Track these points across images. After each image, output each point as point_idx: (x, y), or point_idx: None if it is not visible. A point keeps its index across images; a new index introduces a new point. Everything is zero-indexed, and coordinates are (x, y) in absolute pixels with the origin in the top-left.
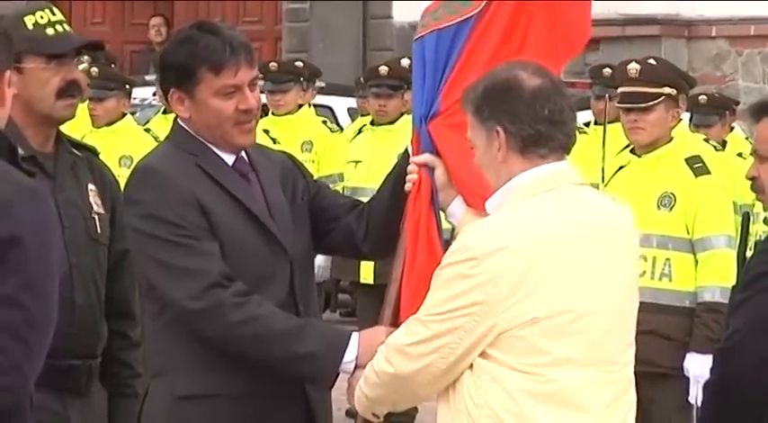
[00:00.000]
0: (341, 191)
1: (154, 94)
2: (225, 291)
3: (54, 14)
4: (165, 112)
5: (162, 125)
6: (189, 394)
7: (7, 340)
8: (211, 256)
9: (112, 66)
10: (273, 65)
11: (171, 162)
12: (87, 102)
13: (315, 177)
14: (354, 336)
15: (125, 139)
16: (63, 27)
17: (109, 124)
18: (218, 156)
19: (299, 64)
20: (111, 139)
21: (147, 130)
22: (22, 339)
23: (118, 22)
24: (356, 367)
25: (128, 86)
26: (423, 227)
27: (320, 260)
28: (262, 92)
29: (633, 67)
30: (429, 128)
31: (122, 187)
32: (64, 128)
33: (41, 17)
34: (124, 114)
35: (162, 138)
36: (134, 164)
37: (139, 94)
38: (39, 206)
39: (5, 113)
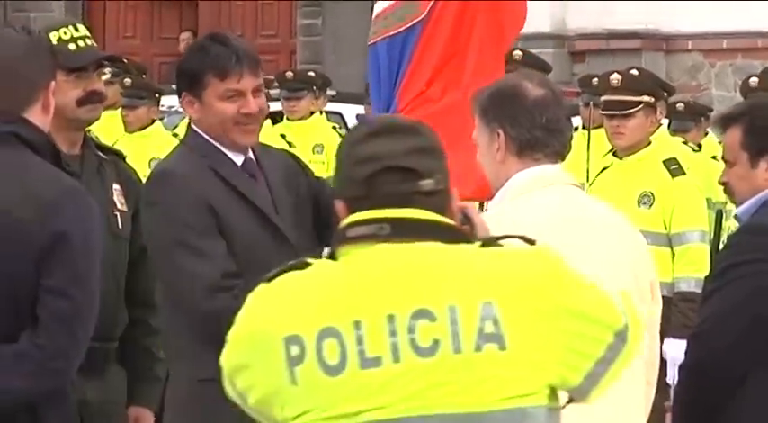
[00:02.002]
0: None
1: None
2: (226, 294)
3: (77, 31)
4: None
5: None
6: (209, 377)
7: (56, 328)
8: (217, 259)
9: (143, 76)
10: (289, 74)
11: (185, 165)
12: (120, 109)
13: (325, 177)
14: None
15: (155, 143)
16: (85, 42)
17: (140, 129)
18: (227, 157)
19: (312, 74)
20: (142, 143)
21: (175, 135)
22: (69, 327)
23: (148, 36)
24: None
25: (157, 95)
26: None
27: (327, 253)
28: (277, 99)
29: (615, 78)
30: None
31: None
32: (100, 133)
33: (65, 33)
34: (154, 120)
35: None
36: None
37: (167, 101)
38: (82, 205)
39: (49, 119)
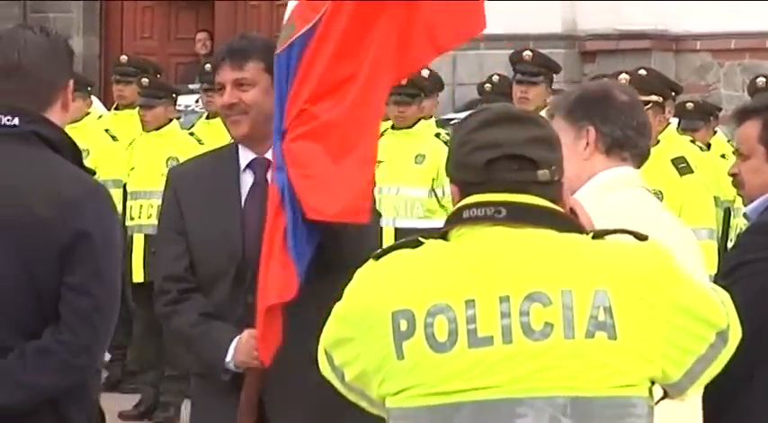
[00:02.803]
0: None
1: (197, 102)
2: (163, 298)
3: None
4: (208, 118)
5: (205, 129)
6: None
7: (79, 325)
8: (166, 261)
9: (159, 76)
10: None
11: (193, 162)
12: (138, 108)
13: None
14: (234, 341)
15: (171, 142)
16: None
17: (157, 129)
18: (234, 154)
19: None
20: (159, 142)
21: (191, 134)
22: (92, 324)
23: (165, 37)
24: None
25: (174, 95)
26: (276, 232)
27: None
28: None
29: (623, 78)
30: (282, 147)
31: None
32: (118, 132)
33: None
34: (170, 120)
35: (204, 141)
36: (178, 163)
37: (184, 101)
38: (103, 203)
39: (67, 119)
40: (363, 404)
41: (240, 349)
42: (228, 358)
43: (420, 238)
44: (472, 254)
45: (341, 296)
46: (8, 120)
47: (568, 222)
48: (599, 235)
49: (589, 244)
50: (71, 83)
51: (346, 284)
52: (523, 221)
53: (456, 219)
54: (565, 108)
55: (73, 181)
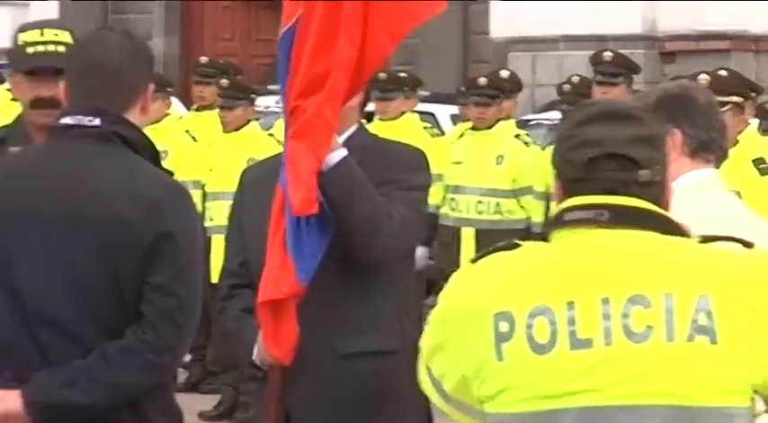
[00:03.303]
0: (441, 190)
1: (276, 102)
2: (219, 293)
3: (42, 35)
4: None
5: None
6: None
7: (162, 324)
8: (228, 258)
9: (239, 77)
10: (382, 75)
11: (263, 165)
12: (218, 110)
13: None
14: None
15: (251, 143)
16: (45, 47)
17: (236, 130)
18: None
19: (403, 75)
20: (239, 143)
21: (271, 135)
22: (175, 323)
23: (245, 38)
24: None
25: (253, 96)
26: (279, 229)
27: (418, 251)
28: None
29: (703, 78)
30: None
31: None
32: (198, 133)
33: (30, 36)
34: (250, 120)
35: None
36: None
37: (263, 102)
38: (185, 204)
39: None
40: (467, 421)
41: (259, 347)
42: (254, 356)
43: (518, 241)
44: (573, 256)
45: (374, 290)
46: (89, 120)
47: (671, 224)
48: (706, 240)
49: (693, 248)
50: (151, 86)
51: (383, 278)
52: (626, 224)
53: (557, 222)
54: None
55: (155, 181)
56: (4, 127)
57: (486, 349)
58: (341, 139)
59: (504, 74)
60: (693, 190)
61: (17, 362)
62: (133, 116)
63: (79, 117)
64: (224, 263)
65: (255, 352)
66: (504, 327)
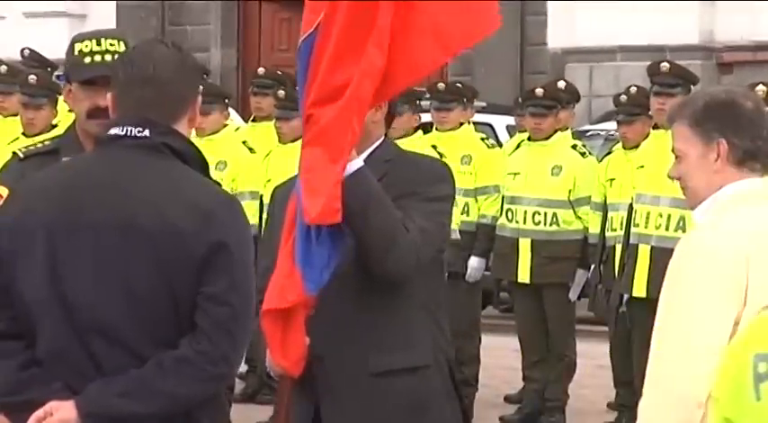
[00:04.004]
0: (498, 201)
1: None
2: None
3: (99, 45)
4: None
5: None
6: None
7: (217, 334)
8: (258, 274)
9: (296, 88)
10: (441, 85)
11: (290, 182)
12: (275, 121)
13: (473, 188)
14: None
15: None
16: (102, 58)
17: (293, 140)
18: None
19: (459, 85)
20: (296, 154)
21: None
22: (229, 332)
23: None
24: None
25: None
26: (289, 242)
27: (474, 262)
28: (428, 110)
29: (761, 89)
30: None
31: None
32: (255, 144)
33: (86, 46)
34: None
35: None
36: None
37: None
38: (237, 214)
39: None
40: None
41: (268, 357)
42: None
43: None
44: None
45: (401, 305)
46: (139, 131)
47: None
48: None
49: None
50: (199, 97)
51: (407, 292)
52: None
53: None
54: (691, 117)
55: (207, 192)
56: (56, 137)
57: (745, 391)
58: (365, 152)
59: (561, 84)
60: (740, 201)
61: (69, 372)
62: (182, 127)
63: (128, 128)
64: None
65: (267, 361)
66: (762, 368)
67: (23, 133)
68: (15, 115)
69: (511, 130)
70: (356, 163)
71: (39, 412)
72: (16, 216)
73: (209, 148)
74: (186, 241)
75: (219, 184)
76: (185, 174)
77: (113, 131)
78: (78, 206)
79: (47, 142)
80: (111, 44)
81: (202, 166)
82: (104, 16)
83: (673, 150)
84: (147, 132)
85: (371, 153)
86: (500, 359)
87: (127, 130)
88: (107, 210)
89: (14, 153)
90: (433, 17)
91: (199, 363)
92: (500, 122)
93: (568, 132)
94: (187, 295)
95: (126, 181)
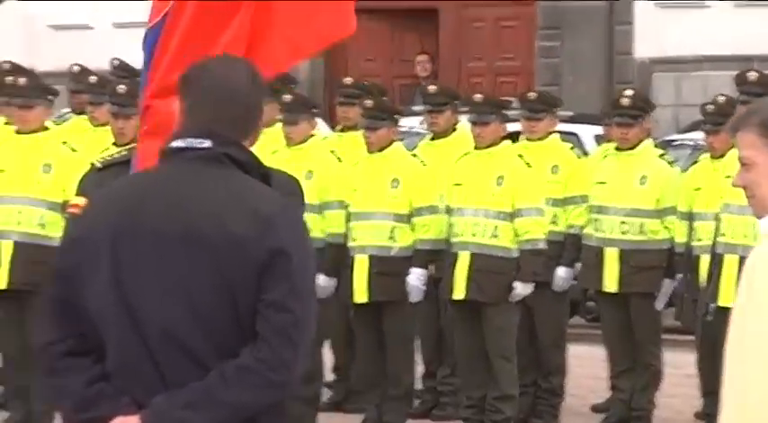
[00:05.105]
0: (585, 210)
1: (421, 123)
2: None
3: None
4: (432, 139)
5: (428, 150)
6: None
7: (277, 341)
8: None
9: (384, 98)
10: (532, 95)
11: None
12: (362, 130)
13: (562, 197)
14: None
15: (395, 163)
16: None
17: (381, 150)
18: None
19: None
20: (383, 163)
21: (414, 155)
22: (290, 339)
23: (388, 59)
24: None
25: (396, 116)
26: None
27: (561, 271)
28: (516, 120)
29: None
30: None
31: None
32: (344, 155)
33: None
34: (393, 141)
35: (427, 161)
36: (400, 185)
37: (407, 122)
38: (296, 220)
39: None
40: None
41: None
42: None
43: None
44: None
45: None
46: (200, 142)
47: None
48: None
49: None
50: (262, 117)
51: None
52: None
53: None
54: (760, 125)
55: (267, 199)
56: (134, 147)
57: None
58: None
59: (628, 93)
60: None
61: (136, 384)
62: (246, 141)
63: (190, 140)
64: None
65: None
66: None
67: (114, 143)
68: (105, 125)
69: (599, 140)
70: None
71: None
72: (84, 229)
73: (296, 157)
74: (247, 248)
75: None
76: (245, 182)
77: (175, 144)
78: (141, 217)
79: (123, 152)
80: None
81: (263, 175)
82: None
83: (739, 159)
84: (208, 144)
85: None
86: (587, 368)
87: (188, 143)
88: (170, 220)
89: (92, 163)
90: (287, 19)
91: (260, 370)
92: (587, 132)
93: (651, 141)
94: (249, 303)
95: (188, 191)
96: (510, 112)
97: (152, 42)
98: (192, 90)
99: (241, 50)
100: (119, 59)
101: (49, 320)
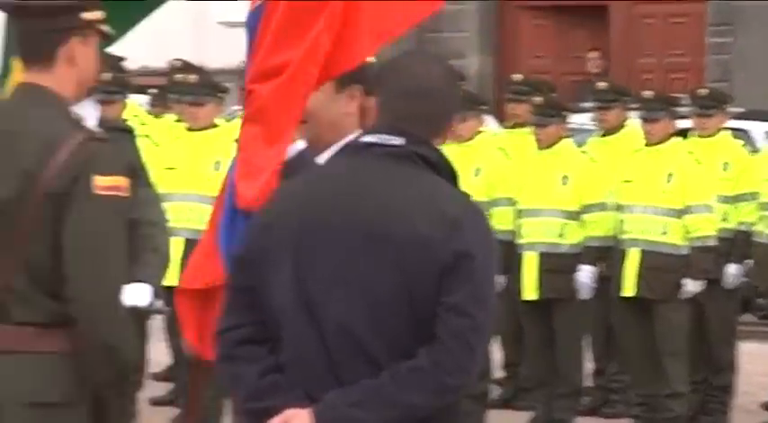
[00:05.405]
0: (756, 207)
1: (592, 120)
2: None
3: None
4: (602, 136)
5: (598, 147)
6: None
7: (455, 345)
8: None
9: (552, 95)
10: (703, 91)
11: None
12: (531, 127)
13: (732, 195)
14: None
15: (564, 160)
16: None
17: (549, 146)
18: None
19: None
20: (552, 160)
21: (584, 152)
22: (468, 344)
23: (558, 56)
24: None
25: (566, 113)
26: (215, 221)
27: (731, 268)
28: (685, 117)
29: None
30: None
31: None
32: (512, 151)
33: None
34: (563, 137)
35: (597, 158)
36: (570, 182)
37: (576, 119)
38: (484, 224)
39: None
40: None
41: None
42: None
43: None
44: None
45: None
46: (392, 139)
47: None
48: None
49: None
50: (456, 116)
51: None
52: None
53: None
54: None
55: (454, 201)
56: None
57: None
58: (338, 145)
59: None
60: None
61: (309, 378)
62: (437, 140)
63: (382, 136)
64: None
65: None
66: None
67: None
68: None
69: None
70: (296, 146)
71: (276, 419)
72: (269, 218)
73: (465, 154)
74: (431, 249)
75: (469, 196)
76: (435, 183)
77: (367, 138)
78: (326, 210)
79: None
80: None
81: (453, 176)
82: None
83: None
84: (400, 141)
85: (345, 146)
86: (758, 366)
87: (380, 138)
88: (354, 215)
89: None
90: (372, 4)
91: (435, 373)
92: (758, 128)
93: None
94: (427, 304)
95: (375, 188)
96: (680, 109)
97: (254, 24)
98: (385, 87)
99: (331, 37)
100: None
101: (229, 307)
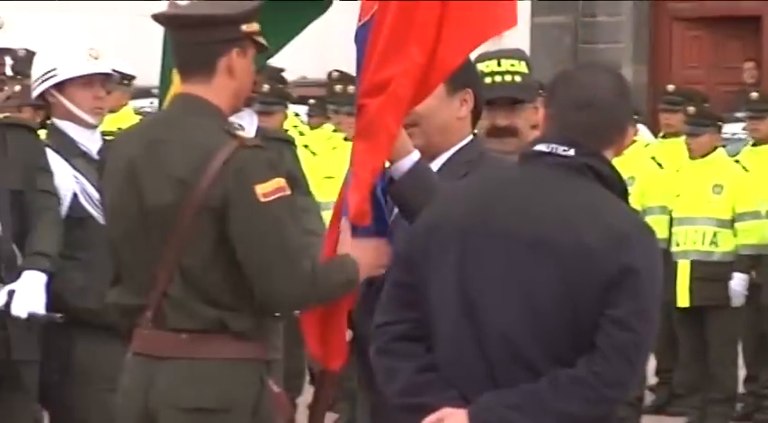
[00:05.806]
0: None
1: (744, 129)
2: None
3: (499, 66)
4: (754, 145)
5: (750, 157)
6: None
7: (616, 358)
8: None
9: (705, 105)
10: (754, 95)
11: None
12: (685, 137)
13: None
14: None
15: (717, 169)
16: (502, 78)
17: (703, 156)
18: None
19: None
20: (705, 170)
21: (737, 161)
22: (628, 358)
23: (712, 66)
24: None
25: (720, 123)
26: (333, 234)
27: None
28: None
29: None
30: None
31: None
32: (664, 160)
33: (487, 66)
34: (716, 147)
35: (750, 167)
36: (723, 191)
37: (730, 129)
38: (652, 242)
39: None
40: None
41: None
42: None
43: None
44: None
45: None
46: (564, 150)
47: None
48: None
49: None
50: (630, 127)
51: None
52: None
53: None
54: None
55: (623, 215)
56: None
57: None
58: (450, 151)
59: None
60: None
61: (464, 379)
62: (608, 153)
63: (554, 146)
64: None
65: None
66: None
67: None
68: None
69: None
70: (411, 158)
71: (431, 417)
72: (434, 218)
73: (618, 163)
74: (596, 261)
75: (638, 213)
76: (604, 196)
77: (539, 147)
78: (493, 215)
79: None
80: (511, 65)
81: (622, 191)
82: (518, 35)
83: None
84: (571, 152)
85: (456, 152)
86: None
87: (552, 148)
88: (520, 222)
89: None
90: (460, 13)
91: (594, 384)
92: None
93: None
94: (589, 314)
95: (543, 196)
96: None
97: (363, 39)
98: (555, 98)
99: (424, 49)
100: (338, 71)
101: (388, 302)
